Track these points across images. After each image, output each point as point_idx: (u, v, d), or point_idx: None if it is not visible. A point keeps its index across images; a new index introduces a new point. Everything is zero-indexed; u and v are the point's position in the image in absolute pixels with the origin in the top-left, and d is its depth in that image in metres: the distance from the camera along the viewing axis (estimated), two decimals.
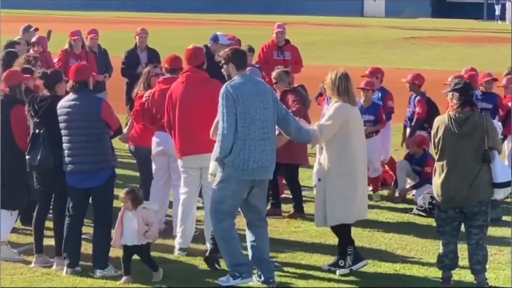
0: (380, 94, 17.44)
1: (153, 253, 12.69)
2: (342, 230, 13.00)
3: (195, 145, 13.27)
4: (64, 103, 12.62)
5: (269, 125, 12.12)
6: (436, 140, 11.99)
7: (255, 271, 12.31)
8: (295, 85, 16.63)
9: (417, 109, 16.94)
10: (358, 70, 26.43)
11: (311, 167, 15.80)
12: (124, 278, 12.32)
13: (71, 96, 12.67)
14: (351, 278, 12.71)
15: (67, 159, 12.56)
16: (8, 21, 38.42)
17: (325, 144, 12.76)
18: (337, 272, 12.83)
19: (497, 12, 65.22)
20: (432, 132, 12.17)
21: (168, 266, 12.86)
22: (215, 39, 17.23)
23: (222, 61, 12.40)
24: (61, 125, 12.57)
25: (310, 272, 12.93)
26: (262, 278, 12.25)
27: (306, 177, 17.09)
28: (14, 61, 14.71)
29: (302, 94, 15.88)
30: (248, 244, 12.34)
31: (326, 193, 12.83)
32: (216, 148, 12.07)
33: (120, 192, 12.50)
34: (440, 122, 12.07)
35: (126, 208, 12.32)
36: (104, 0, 64.85)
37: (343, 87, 12.73)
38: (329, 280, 12.67)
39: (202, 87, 13.44)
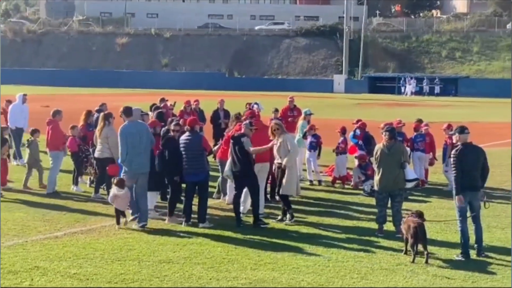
0: (358, 132, 17.16)
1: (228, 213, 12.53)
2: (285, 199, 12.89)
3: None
4: (183, 137, 12.71)
5: (143, 146, 12.12)
6: (376, 157, 11.94)
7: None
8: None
9: (359, 141, 16.98)
10: (331, 120, 26.17)
11: None
12: (117, 225, 12.15)
13: (186, 134, 12.76)
14: (331, 226, 12.44)
15: (185, 166, 12.55)
16: (154, 95, 38.52)
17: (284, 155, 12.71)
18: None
19: (403, 91, 65.57)
20: (374, 152, 12.10)
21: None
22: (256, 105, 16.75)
23: (120, 114, 12.38)
24: (182, 148, 12.60)
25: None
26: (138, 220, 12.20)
27: None
28: (162, 116, 14.79)
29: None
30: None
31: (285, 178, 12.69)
32: (121, 160, 12.17)
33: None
34: (378, 147, 12.04)
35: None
36: (200, 82, 65.30)
37: (283, 127, 12.94)
38: (314, 225, 12.39)
39: (262, 129, 13.42)
